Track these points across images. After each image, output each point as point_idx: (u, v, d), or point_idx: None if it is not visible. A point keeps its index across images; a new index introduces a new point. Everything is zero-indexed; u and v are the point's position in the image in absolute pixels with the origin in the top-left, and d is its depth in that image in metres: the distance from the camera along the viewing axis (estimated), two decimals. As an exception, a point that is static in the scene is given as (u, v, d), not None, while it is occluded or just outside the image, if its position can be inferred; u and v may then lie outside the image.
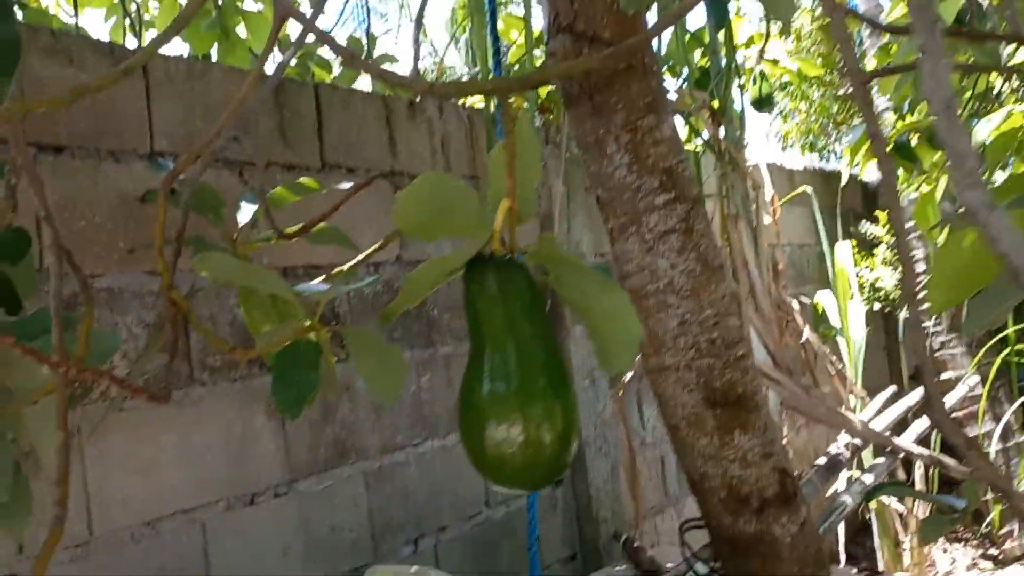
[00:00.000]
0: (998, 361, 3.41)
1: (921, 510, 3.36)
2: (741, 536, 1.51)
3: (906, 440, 2.58)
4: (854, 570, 2.22)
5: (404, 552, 2.02)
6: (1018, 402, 3.20)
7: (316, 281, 1.08)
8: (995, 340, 3.34)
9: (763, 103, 2.88)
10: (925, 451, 2.60)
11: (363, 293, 2.00)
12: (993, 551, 3.85)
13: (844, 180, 3.79)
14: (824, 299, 3.75)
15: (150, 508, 1.55)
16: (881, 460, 2.51)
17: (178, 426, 1.61)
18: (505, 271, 0.70)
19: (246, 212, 1.26)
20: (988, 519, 3.60)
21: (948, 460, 2.64)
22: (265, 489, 1.75)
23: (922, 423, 2.83)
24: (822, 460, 2.48)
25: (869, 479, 2.36)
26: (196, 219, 1.31)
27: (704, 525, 1.98)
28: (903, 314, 3.85)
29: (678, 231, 1.48)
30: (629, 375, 2.57)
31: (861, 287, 4.01)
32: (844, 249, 3.65)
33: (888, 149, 2.54)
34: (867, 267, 4.16)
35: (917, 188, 2.77)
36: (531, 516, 1.84)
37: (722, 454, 1.50)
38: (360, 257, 1.14)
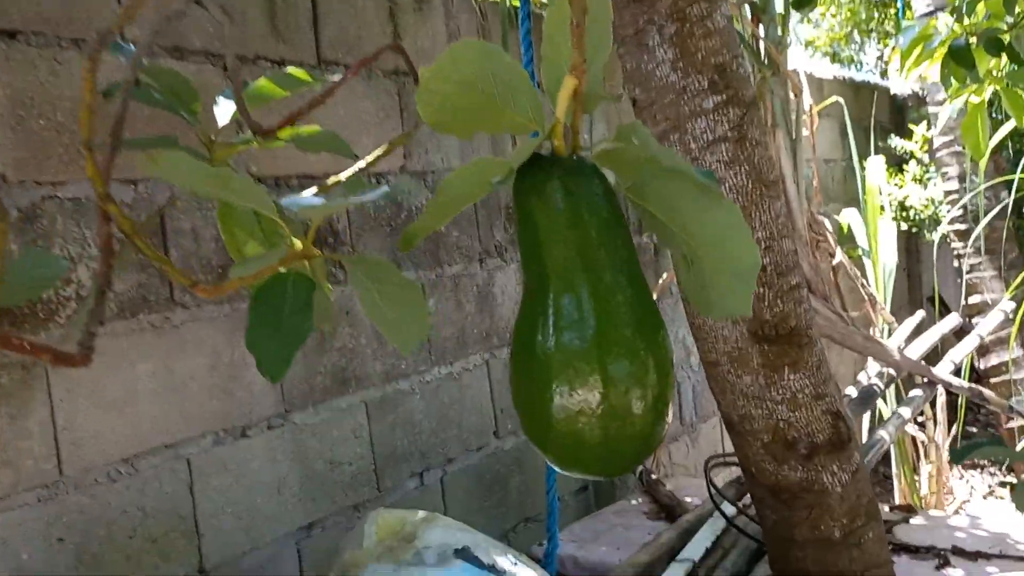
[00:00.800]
0: (1033, 287, 3.23)
1: (941, 436, 3.24)
2: (785, 484, 1.36)
3: (943, 371, 2.43)
4: (885, 507, 2.10)
5: (409, 485, 1.89)
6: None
7: (307, 192, 0.90)
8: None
9: (804, 1, 2.61)
10: (965, 384, 2.45)
11: (365, 208, 1.81)
12: (1011, 479, 3.75)
13: (892, 88, 3.52)
14: (850, 217, 3.55)
15: (128, 444, 1.39)
16: (918, 392, 2.36)
17: (158, 353, 1.44)
18: (576, 178, 0.51)
19: (225, 110, 1.06)
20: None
21: (988, 392, 2.50)
22: (257, 421, 1.60)
23: (958, 352, 2.68)
24: (853, 391, 2.34)
25: (907, 412, 2.22)
26: (171, 119, 1.11)
27: (735, 464, 1.84)
28: (935, 235, 3.66)
29: (729, 140, 1.28)
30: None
31: (889, 205, 3.80)
32: (876, 165, 3.43)
33: (943, 54, 2.31)
34: (895, 184, 3.94)
35: (966, 99, 2.53)
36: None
37: (768, 394, 1.33)
38: (359, 165, 0.95)
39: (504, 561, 1.22)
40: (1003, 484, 3.78)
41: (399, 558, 1.21)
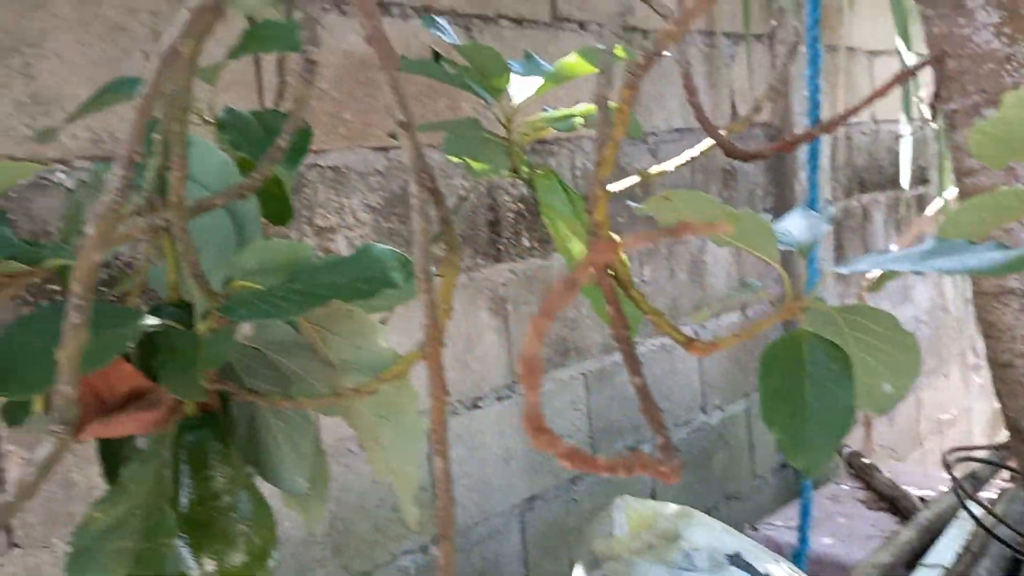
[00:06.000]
0: None
1: None
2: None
3: None
4: None
5: (621, 459, 1.84)
6: None
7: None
8: None
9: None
10: None
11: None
12: None
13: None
14: None
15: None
16: None
17: (392, 326, 1.42)
18: None
19: (522, 87, 0.99)
20: None
21: None
22: (488, 392, 1.57)
23: None
24: None
25: None
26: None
27: (980, 461, 1.71)
28: None
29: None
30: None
31: None
32: None
33: None
34: None
35: None
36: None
37: (1075, 404, 1.20)
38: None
39: (777, 570, 1.15)
40: None
41: (665, 557, 1.16)
